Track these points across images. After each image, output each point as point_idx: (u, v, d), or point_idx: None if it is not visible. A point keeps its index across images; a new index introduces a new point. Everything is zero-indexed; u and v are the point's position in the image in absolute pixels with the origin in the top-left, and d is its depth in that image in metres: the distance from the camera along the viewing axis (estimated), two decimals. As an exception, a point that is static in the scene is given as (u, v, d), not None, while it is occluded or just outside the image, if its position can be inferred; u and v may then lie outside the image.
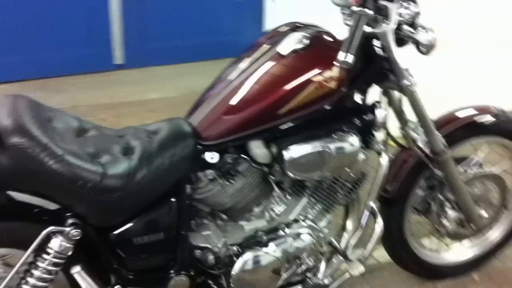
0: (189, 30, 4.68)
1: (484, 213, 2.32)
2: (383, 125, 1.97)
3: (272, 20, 4.70)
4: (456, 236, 2.37)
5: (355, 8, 1.67)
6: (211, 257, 1.88)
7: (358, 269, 2.05)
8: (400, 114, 2.10)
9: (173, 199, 1.78)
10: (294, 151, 1.81)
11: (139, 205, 1.72)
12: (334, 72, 1.80)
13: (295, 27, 1.95)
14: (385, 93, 2.04)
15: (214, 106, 1.85)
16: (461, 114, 2.26)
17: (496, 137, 2.32)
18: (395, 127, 2.12)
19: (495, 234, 2.49)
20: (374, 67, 1.93)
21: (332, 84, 1.80)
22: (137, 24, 4.54)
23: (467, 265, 2.48)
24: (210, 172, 1.82)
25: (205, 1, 4.67)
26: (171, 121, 1.86)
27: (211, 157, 1.80)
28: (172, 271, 1.83)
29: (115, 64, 4.54)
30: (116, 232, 1.72)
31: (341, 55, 1.57)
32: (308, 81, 1.79)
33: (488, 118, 2.25)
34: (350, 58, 1.56)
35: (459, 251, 2.49)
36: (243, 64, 1.90)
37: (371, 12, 1.66)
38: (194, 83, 4.33)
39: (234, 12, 4.78)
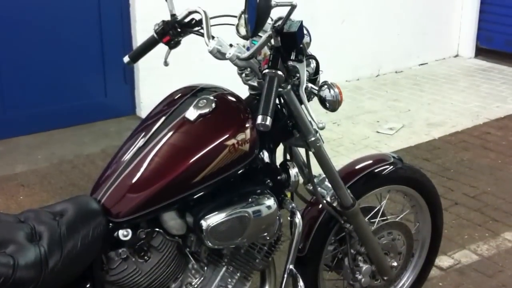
0: (54, 95, 4.59)
1: (394, 263, 2.46)
2: (297, 184, 2.06)
3: (144, 80, 4.75)
4: (370, 289, 2.49)
5: (267, 71, 1.75)
6: None
7: None
8: (304, 170, 2.21)
9: (88, 285, 1.73)
10: (212, 220, 1.84)
11: None
12: (246, 134, 1.87)
13: (196, 90, 2.01)
14: (288, 149, 2.15)
15: (122, 180, 1.83)
16: (360, 166, 2.41)
17: (395, 185, 2.49)
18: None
19: (404, 282, 2.64)
20: (279, 125, 2.02)
21: (246, 147, 1.87)
22: None
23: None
24: (122, 251, 1.80)
25: (67, 63, 4.61)
26: (76, 199, 1.82)
27: (124, 234, 1.78)
28: None
29: (-26, 139, 4.34)
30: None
31: (259, 119, 1.64)
32: (222, 146, 1.83)
33: (386, 168, 2.42)
34: (269, 121, 1.64)
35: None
36: (148, 132, 1.91)
37: (282, 73, 1.75)
38: (65, 151, 4.31)
39: (101, 73, 4.75)
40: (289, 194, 2.15)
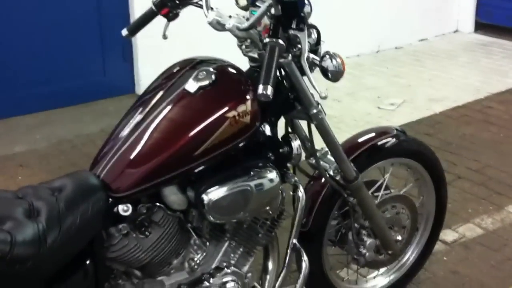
0: (52, 74, 4.52)
1: (398, 237, 2.42)
2: (300, 157, 2.01)
3: (143, 57, 4.68)
4: (374, 265, 2.45)
5: (268, 40, 1.70)
6: None
7: None
8: (306, 143, 2.16)
9: (88, 262, 1.69)
10: (214, 194, 1.79)
11: (52, 272, 1.61)
12: (247, 106, 1.82)
13: (195, 62, 1.95)
14: (289, 123, 2.09)
15: (121, 154, 1.78)
16: (363, 139, 2.36)
17: (398, 158, 2.44)
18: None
19: (409, 257, 2.60)
20: (280, 98, 1.97)
21: (247, 119, 1.81)
22: None
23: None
24: (123, 226, 1.76)
25: (64, 42, 4.53)
26: (75, 175, 1.77)
27: (125, 209, 1.73)
28: None
29: (-30, 119, 4.28)
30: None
31: (260, 88, 1.59)
32: (223, 118, 1.79)
33: (389, 140, 2.37)
34: (270, 91, 1.58)
35: (377, 280, 2.58)
36: (148, 106, 1.86)
37: (283, 42, 1.70)
38: (64, 131, 4.25)
39: (101, 51, 4.69)
40: (291, 169, 2.10)
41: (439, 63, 5.62)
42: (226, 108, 1.79)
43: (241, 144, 1.84)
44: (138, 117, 1.84)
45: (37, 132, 4.25)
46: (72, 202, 1.65)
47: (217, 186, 1.80)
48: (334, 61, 1.89)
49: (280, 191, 1.94)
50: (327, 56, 1.91)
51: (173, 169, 1.76)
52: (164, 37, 2.12)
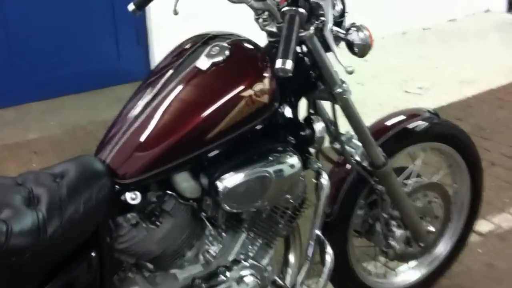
0: (65, 60, 4.43)
1: (430, 228, 2.27)
2: (323, 140, 1.86)
3: (157, 41, 4.55)
4: (404, 257, 2.29)
5: (286, 8, 1.55)
6: None
7: None
8: (330, 127, 2.01)
9: (92, 253, 1.56)
10: (229, 181, 1.65)
11: (53, 264, 1.50)
12: (265, 84, 1.67)
13: (208, 37, 1.81)
14: (311, 104, 1.94)
15: (129, 138, 1.65)
16: (392, 122, 2.21)
17: (431, 143, 2.28)
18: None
19: (441, 249, 2.44)
20: (301, 76, 1.82)
21: (264, 98, 1.67)
22: (2, 59, 4.23)
23: (419, 285, 2.42)
24: (132, 216, 1.63)
25: (77, 26, 4.43)
26: (79, 159, 1.64)
27: (132, 197, 1.60)
28: None
29: (-17, 106, 4.20)
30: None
31: (278, 62, 1.44)
32: (238, 97, 1.64)
33: (420, 123, 2.21)
34: (289, 65, 1.43)
35: (407, 274, 2.43)
36: (157, 85, 1.72)
37: (304, 11, 1.55)
38: (78, 117, 4.16)
39: (113, 35, 4.57)
40: (314, 154, 1.95)
41: (469, 44, 5.41)
42: (241, 87, 1.65)
43: (258, 127, 1.70)
44: (146, 98, 1.71)
45: (50, 118, 4.16)
46: (75, 189, 1.53)
47: (232, 172, 1.66)
48: (361, 33, 1.74)
49: (301, 177, 1.79)
50: (353, 28, 1.75)
51: (185, 153, 1.62)
52: (175, 12, 1.98)
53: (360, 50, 1.75)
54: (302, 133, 1.82)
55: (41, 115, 4.19)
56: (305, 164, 1.86)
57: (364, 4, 5.12)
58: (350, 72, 1.63)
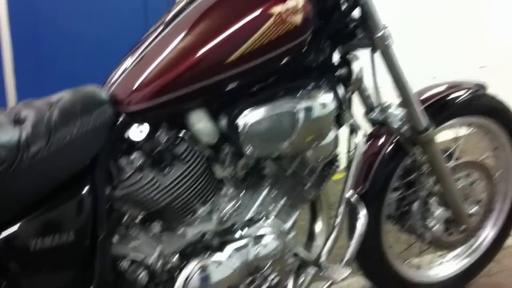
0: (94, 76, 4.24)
1: (473, 210, 2.03)
2: (361, 82, 1.65)
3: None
4: (441, 245, 2.05)
5: None
6: (142, 274, 1.45)
7: (341, 272, 1.66)
8: (366, 97, 1.81)
9: (85, 190, 1.35)
10: (251, 116, 1.45)
11: (35, 195, 1.30)
12: (298, 1, 1.46)
13: None
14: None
15: (138, 64, 1.46)
16: (435, 92, 1.99)
17: (476, 117, 2.05)
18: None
19: (482, 241, 2.20)
20: (338, 22, 1.65)
21: (297, 19, 1.46)
22: (32, 77, 4.06)
23: (456, 280, 2.17)
24: (137, 156, 1.42)
25: (110, 43, 4.23)
26: (80, 88, 1.45)
27: (140, 130, 1.40)
28: None
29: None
30: (3, 233, 1.27)
31: None
32: (266, 14, 1.43)
33: (466, 95, 1.99)
34: None
35: (442, 267, 2.18)
36: (169, 15, 1.53)
37: None
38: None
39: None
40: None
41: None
42: (270, 1, 1.44)
43: (286, 57, 1.49)
44: (159, 29, 1.51)
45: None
46: (68, 112, 1.34)
47: (254, 107, 1.46)
48: None
49: (333, 128, 1.61)
50: None
51: (199, 78, 1.41)
52: None
53: None
54: (337, 73, 1.61)
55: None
56: (339, 120, 1.66)
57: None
58: None
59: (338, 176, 1.77)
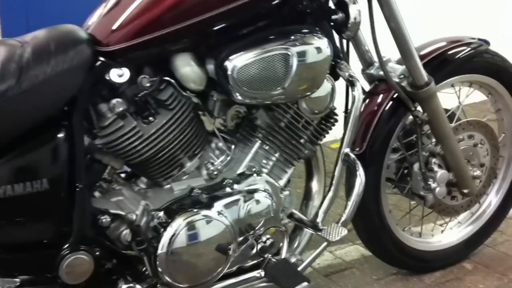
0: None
1: (476, 173, 1.93)
2: (357, 27, 1.55)
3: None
4: (442, 209, 1.95)
5: None
6: (125, 231, 1.36)
7: (337, 232, 1.56)
8: (363, 51, 1.73)
9: (61, 135, 1.26)
10: (240, 59, 1.36)
11: (6, 133, 1.21)
12: None
13: None
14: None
15: (118, 4, 1.37)
16: (435, 47, 1.88)
17: (477, 75, 1.94)
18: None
19: (485, 209, 2.10)
20: None
21: None
22: None
23: (459, 249, 2.07)
24: (118, 102, 1.32)
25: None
26: (56, 26, 1.36)
27: (119, 74, 1.30)
28: (66, 247, 1.29)
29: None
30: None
31: None
32: None
33: (468, 50, 1.89)
34: None
35: (444, 234, 2.08)
36: None
37: None
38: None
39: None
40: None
41: None
42: None
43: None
44: None
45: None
46: (42, 49, 1.26)
47: (245, 50, 1.37)
48: None
49: (329, 79, 1.53)
50: None
51: (182, 18, 1.33)
52: None
53: None
54: (333, 17, 1.51)
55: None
56: (335, 72, 1.57)
57: None
58: None
59: (336, 144, 1.68)
